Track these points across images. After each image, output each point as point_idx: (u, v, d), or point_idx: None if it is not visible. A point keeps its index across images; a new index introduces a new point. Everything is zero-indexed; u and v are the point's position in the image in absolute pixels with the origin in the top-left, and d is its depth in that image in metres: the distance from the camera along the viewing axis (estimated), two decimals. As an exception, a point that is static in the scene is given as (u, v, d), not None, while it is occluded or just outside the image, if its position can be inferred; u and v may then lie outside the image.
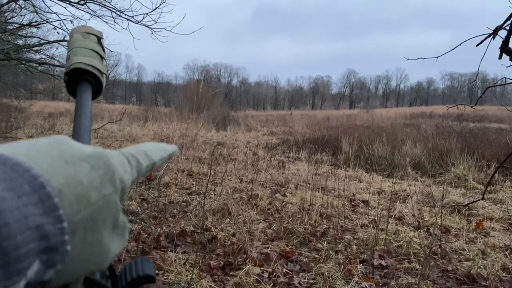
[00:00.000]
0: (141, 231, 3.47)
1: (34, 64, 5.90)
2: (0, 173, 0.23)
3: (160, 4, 5.10)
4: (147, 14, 5.14)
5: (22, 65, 6.09)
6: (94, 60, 0.59)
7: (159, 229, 3.63)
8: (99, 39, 0.63)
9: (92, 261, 0.28)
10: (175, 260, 2.99)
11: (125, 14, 5.23)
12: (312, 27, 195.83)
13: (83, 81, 0.57)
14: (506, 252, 3.62)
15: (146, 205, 4.49)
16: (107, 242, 0.29)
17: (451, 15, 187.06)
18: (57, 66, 5.60)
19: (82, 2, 5.15)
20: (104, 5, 5.26)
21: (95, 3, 5.28)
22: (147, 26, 5.24)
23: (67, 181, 0.26)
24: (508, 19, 1.86)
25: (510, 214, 4.83)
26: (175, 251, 3.21)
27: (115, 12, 5.26)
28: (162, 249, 3.25)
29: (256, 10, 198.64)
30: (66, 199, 0.25)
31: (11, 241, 0.21)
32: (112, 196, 0.29)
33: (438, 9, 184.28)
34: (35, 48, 5.76)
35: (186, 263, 2.98)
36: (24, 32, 6.65)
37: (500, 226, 4.41)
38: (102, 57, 0.61)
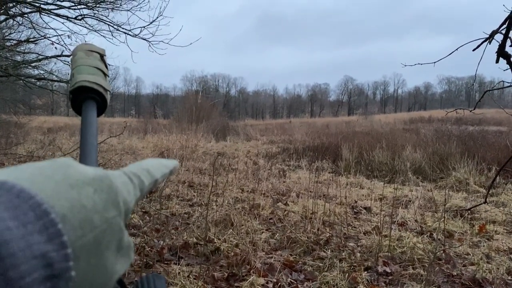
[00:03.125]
0: (144, 245, 3.46)
1: (33, 80, 5.92)
2: (6, 201, 0.23)
3: (157, 17, 5.16)
4: (144, 27, 5.19)
5: (21, 81, 6.12)
6: (98, 78, 0.59)
7: (161, 241, 3.61)
8: (102, 56, 0.64)
9: (97, 283, 0.28)
10: (179, 273, 2.97)
11: (123, 28, 5.29)
12: (310, 36, 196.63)
13: (88, 99, 0.57)
14: (511, 255, 3.61)
15: (148, 218, 4.48)
16: (111, 264, 0.29)
17: (451, 20, 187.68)
18: (55, 81, 5.62)
19: (79, 17, 5.20)
20: (102, 19, 5.32)
21: (92, 18, 5.33)
22: (144, 39, 5.29)
23: (71, 205, 0.26)
24: (503, 23, 1.88)
25: (513, 217, 4.82)
26: (178, 264, 3.19)
27: (112, 26, 5.32)
28: (166, 262, 3.24)
29: (257, 21, 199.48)
30: (70, 224, 0.25)
31: (17, 271, 0.21)
32: (115, 219, 0.29)
33: (438, 15, 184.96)
34: (33, 64, 5.79)
35: (190, 276, 2.96)
36: (22, 48, 6.69)
37: (503, 229, 4.40)
38: (105, 74, 0.62)
